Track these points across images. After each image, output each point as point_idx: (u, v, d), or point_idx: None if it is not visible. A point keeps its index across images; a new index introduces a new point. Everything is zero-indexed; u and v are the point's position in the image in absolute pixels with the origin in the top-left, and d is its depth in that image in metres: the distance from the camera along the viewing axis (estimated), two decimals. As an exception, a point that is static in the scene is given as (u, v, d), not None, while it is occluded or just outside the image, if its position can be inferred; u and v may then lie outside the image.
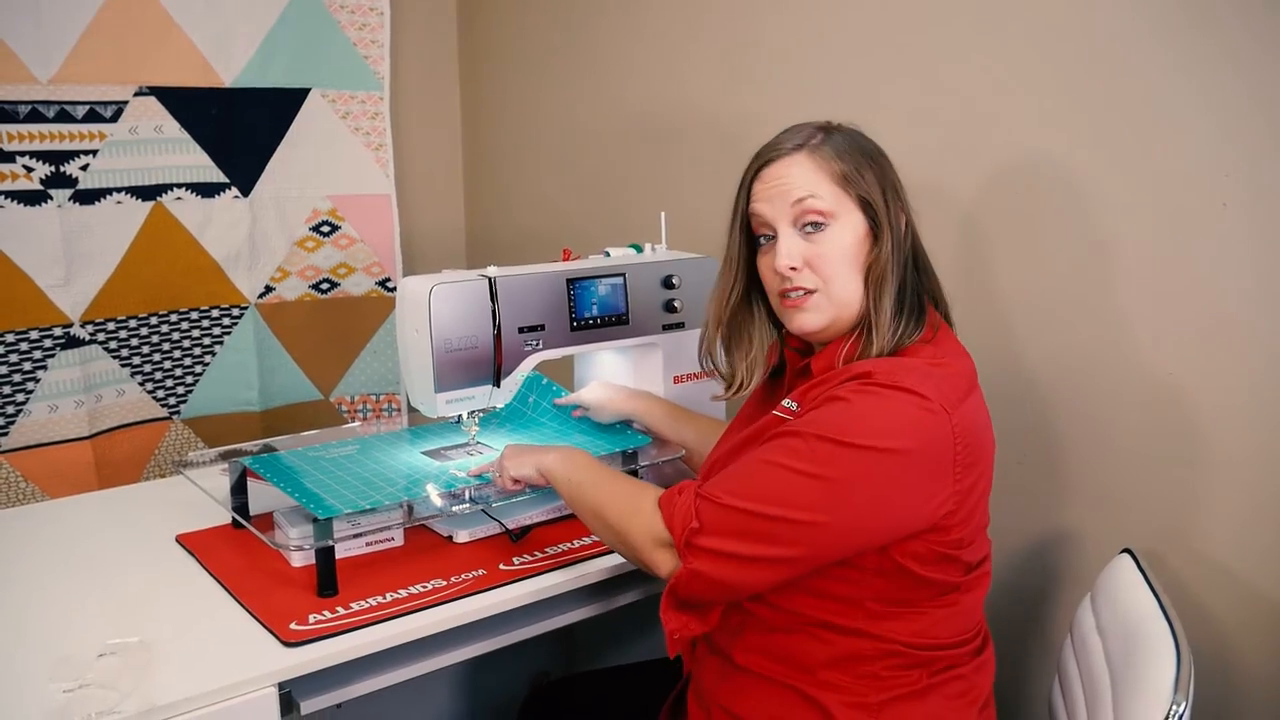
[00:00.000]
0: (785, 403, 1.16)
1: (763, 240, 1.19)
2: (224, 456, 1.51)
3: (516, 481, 1.32)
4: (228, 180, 2.23)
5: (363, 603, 1.23)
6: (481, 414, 1.51)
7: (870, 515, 1.03)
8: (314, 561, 1.26)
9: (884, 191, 1.14)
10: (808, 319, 1.15)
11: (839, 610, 1.10)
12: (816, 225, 1.13)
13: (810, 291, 1.14)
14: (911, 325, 1.13)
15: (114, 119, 2.06)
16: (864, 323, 1.14)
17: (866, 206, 1.14)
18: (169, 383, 2.24)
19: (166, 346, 2.22)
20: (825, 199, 1.13)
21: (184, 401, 2.27)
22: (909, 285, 1.15)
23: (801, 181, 1.13)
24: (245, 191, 2.25)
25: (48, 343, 2.03)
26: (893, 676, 1.11)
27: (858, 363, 1.10)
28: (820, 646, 1.11)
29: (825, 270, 1.13)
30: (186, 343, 2.25)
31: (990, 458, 1.13)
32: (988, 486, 1.13)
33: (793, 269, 1.14)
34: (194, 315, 2.25)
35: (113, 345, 2.13)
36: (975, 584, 1.15)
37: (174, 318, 2.22)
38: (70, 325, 2.05)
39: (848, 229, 1.13)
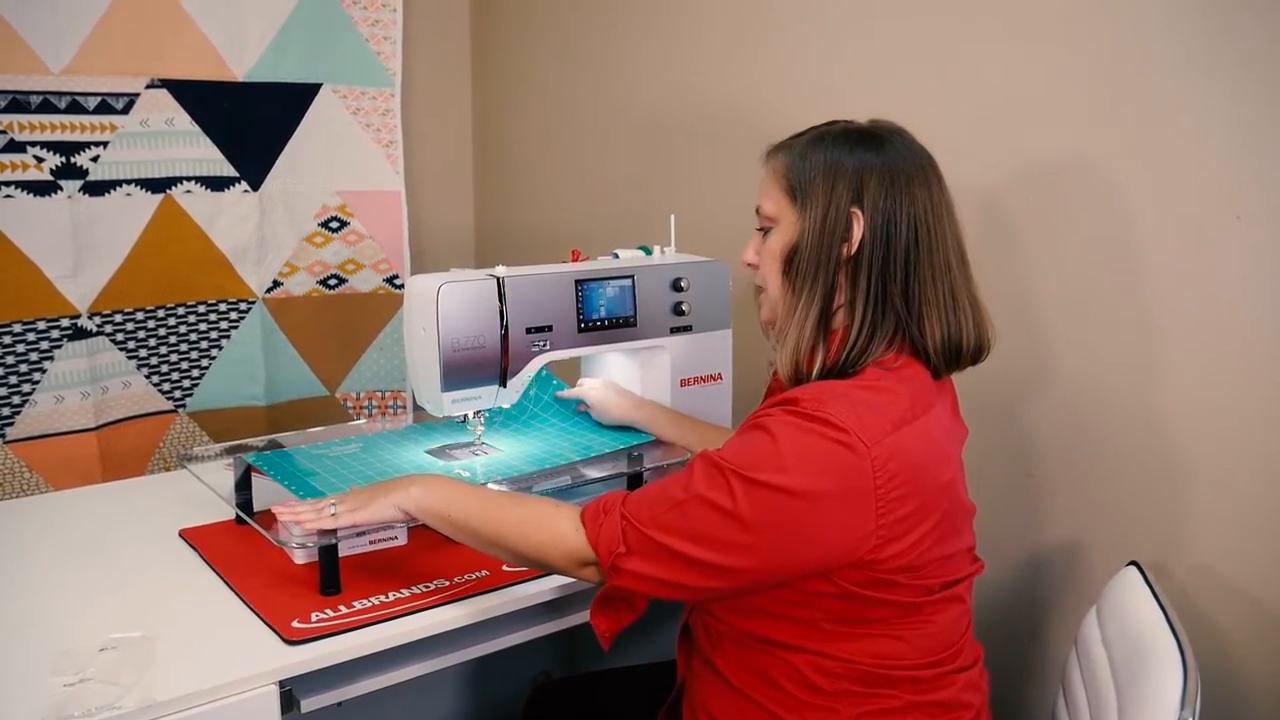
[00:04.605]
0: None
1: None
2: (229, 451, 1.51)
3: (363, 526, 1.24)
4: (238, 174, 2.23)
5: (365, 601, 1.22)
6: (487, 413, 1.51)
7: (783, 554, 1.04)
8: (317, 559, 1.26)
9: (829, 205, 1.11)
10: (761, 311, 1.22)
11: (795, 632, 1.10)
12: (765, 229, 1.19)
13: (761, 288, 1.21)
14: (857, 343, 1.10)
15: (125, 111, 2.06)
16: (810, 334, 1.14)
17: (805, 216, 1.13)
18: (175, 376, 2.24)
19: (173, 339, 2.22)
20: (770, 205, 1.18)
21: (190, 395, 2.27)
22: (858, 303, 1.11)
23: (764, 187, 1.19)
24: (255, 186, 2.26)
25: (55, 333, 2.03)
26: (864, 694, 1.10)
27: (792, 390, 1.10)
28: (784, 665, 1.11)
29: (762, 270, 1.20)
30: (193, 336, 2.25)
31: (942, 484, 1.08)
32: (954, 512, 1.11)
33: (748, 264, 1.22)
34: (201, 309, 2.25)
35: (120, 337, 2.13)
36: (946, 605, 1.13)
37: (181, 311, 2.22)
38: (78, 316, 2.05)
39: (780, 235, 1.16)
